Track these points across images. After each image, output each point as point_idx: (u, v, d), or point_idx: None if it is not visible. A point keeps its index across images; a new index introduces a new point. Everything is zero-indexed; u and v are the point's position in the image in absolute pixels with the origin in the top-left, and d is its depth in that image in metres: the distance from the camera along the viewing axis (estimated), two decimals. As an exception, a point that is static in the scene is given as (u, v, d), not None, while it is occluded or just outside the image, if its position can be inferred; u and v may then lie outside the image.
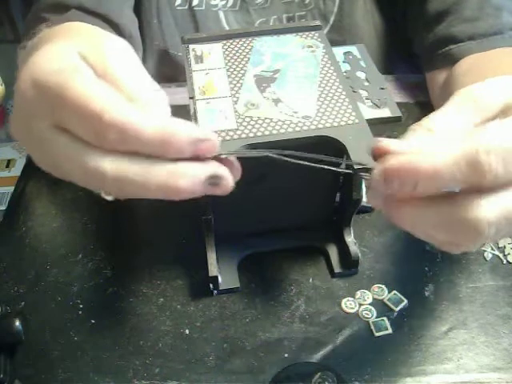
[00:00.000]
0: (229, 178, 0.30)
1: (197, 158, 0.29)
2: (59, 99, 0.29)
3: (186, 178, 0.29)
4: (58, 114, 0.30)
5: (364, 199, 0.47)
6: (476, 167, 0.26)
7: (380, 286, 0.49)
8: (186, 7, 0.70)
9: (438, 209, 0.28)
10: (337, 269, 0.50)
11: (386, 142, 0.28)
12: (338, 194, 0.50)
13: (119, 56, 0.33)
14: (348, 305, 0.47)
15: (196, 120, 0.43)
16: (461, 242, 0.28)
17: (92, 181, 0.30)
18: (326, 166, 0.31)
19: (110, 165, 0.29)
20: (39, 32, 0.45)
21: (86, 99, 0.29)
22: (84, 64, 0.31)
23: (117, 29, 0.64)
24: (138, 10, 0.69)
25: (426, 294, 0.48)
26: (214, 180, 0.30)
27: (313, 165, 0.31)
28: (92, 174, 0.29)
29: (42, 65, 0.32)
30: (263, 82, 0.46)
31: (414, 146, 0.28)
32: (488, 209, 0.27)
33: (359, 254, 0.48)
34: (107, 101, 0.29)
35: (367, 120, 0.43)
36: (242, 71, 0.47)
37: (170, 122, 0.29)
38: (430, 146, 0.28)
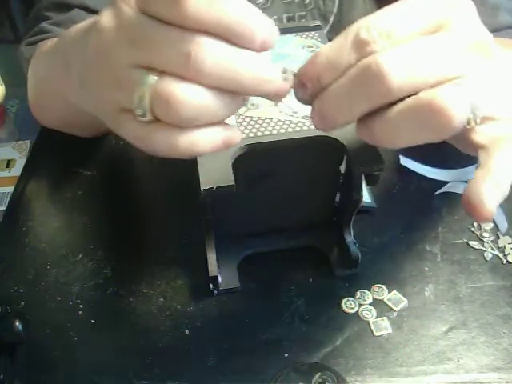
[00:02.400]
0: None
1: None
2: None
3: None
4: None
5: (364, 199, 0.47)
6: (359, 43, 0.29)
7: (380, 285, 0.49)
8: None
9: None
10: (337, 269, 0.50)
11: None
12: (337, 194, 0.50)
13: None
14: (348, 305, 0.47)
15: None
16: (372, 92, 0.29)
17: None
18: None
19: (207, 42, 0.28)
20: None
21: None
22: None
23: None
24: None
25: (426, 293, 0.48)
26: (285, 74, 0.31)
27: None
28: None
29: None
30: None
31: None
32: (384, 55, 0.28)
33: (359, 254, 0.48)
34: None
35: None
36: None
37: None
38: None
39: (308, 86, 0.31)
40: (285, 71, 0.31)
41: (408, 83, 0.28)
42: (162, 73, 0.29)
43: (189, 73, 0.28)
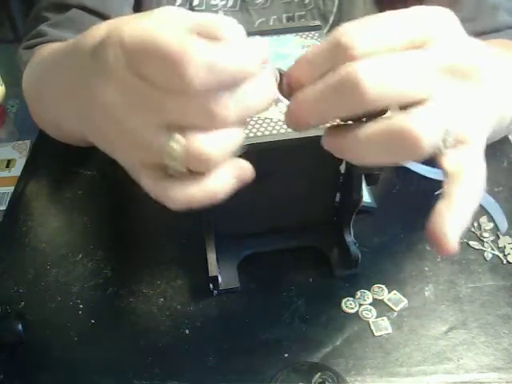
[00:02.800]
0: None
1: None
2: (144, 46, 0.28)
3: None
4: (139, 62, 0.28)
5: (364, 199, 0.47)
6: (339, 47, 0.29)
7: (380, 285, 0.49)
8: (187, 7, 0.70)
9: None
10: (337, 269, 0.50)
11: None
12: (337, 194, 0.50)
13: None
14: (348, 305, 0.47)
15: None
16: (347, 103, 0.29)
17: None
18: None
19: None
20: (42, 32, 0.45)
21: (170, 42, 0.27)
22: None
23: None
24: (138, 9, 0.69)
25: (426, 294, 0.48)
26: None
27: None
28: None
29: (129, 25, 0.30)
30: (263, 81, 0.46)
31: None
32: (361, 65, 0.28)
33: (359, 254, 0.48)
34: (191, 41, 0.27)
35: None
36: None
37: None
38: None
39: (292, 86, 0.31)
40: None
41: (382, 97, 0.28)
42: (182, 128, 0.29)
43: (215, 126, 0.29)
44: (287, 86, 0.32)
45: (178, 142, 0.28)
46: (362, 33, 0.29)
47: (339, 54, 0.29)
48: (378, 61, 0.28)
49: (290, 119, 0.32)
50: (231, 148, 0.30)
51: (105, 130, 0.32)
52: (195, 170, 0.30)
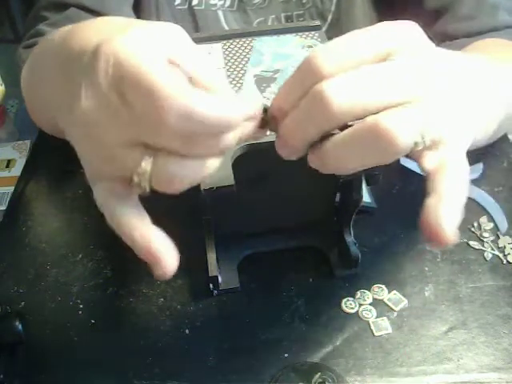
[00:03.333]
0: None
1: None
2: (132, 73, 0.28)
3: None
4: (124, 86, 0.28)
5: (364, 199, 0.47)
6: (309, 69, 0.30)
7: (380, 285, 0.49)
8: (186, 6, 0.70)
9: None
10: (337, 269, 0.50)
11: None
12: (338, 194, 0.50)
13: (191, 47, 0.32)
14: (348, 305, 0.47)
15: None
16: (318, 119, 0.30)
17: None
18: None
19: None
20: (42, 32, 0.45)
21: (155, 81, 0.27)
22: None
23: None
24: (137, 8, 0.70)
25: (426, 294, 0.48)
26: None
27: None
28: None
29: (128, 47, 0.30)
30: (263, 82, 0.46)
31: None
32: (327, 83, 0.29)
33: (359, 254, 0.48)
34: (173, 84, 0.28)
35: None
36: (242, 71, 0.47)
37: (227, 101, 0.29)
38: None
39: (277, 118, 0.32)
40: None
41: (351, 109, 0.29)
42: (156, 150, 0.29)
43: (188, 154, 0.29)
44: (272, 118, 0.33)
45: (146, 163, 0.29)
46: (329, 54, 0.30)
47: (309, 78, 0.30)
48: (343, 76, 0.30)
49: (281, 149, 0.33)
50: (201, 175, 0.31)
51: (80, 142, 0.32)
52: (160, 190, 0.31)
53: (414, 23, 0.33)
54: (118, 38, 0.29)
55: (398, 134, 0.28)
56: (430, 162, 0.31)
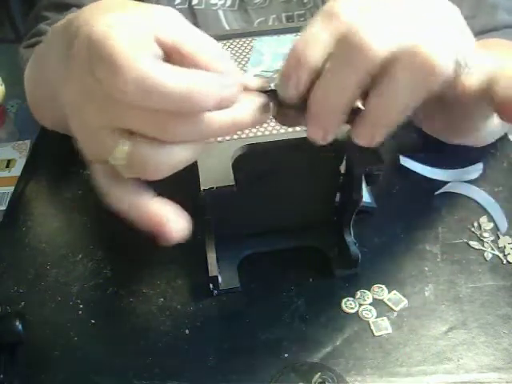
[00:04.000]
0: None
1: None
2: (97, 50, 0.28)
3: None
4: (93, 63, 0.28)
5: (364, 199, 0.47)
6: (330, 16, 0.30)
7: (380, 285, 0.49)
8: (186, 6, 0.70)
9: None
10: (337, 269, 0.50)
11: None
12: (338, 194, 0.50)
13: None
14: (348, 305, 0.47)
15: None
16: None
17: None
18: None
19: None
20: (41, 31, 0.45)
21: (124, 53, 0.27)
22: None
23: None
24: None
25: (426, 293, 0.48)
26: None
27: None
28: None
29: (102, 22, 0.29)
30: (263, 81, 0.46)
31: None
32: (357, 23, 0.29)
33: (359, 254, 0.48)
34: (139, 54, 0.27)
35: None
36: (242, 71, 0.47)
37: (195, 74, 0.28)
38: None
39: (292, 76, 0.30)
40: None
41: (389, 43, 0.29)
42: (134, 134, 0.29)
43: (162, 138, 0.29)
44: (289, 79, 0.30)
45: (123, 147, 0.29)
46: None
47: (332, 21, 0.30)
48: (371, 15, 0.29)
49: (314, 130, 0.31)
50: (179, 163, 0.30)
51: (68, 110, 0.32)
52: (138, 176, 0.30)
53: None
54: (98, 19, 0.29)
55: (437, 57, 0.29)
56: (474, 79, 0.33)
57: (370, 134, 0.31)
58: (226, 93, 0.28)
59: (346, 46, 0.29)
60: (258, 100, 0.31)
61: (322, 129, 0.31)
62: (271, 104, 0.31)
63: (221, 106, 0.28)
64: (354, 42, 0.29)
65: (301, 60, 0.30)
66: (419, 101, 0.30)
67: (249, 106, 0.30)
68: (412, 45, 0.29)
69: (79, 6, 0.62)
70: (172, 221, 0.31)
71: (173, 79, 0.27)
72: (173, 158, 0.29)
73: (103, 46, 0.27)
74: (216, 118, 0.29)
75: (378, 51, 0.29)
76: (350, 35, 0.29)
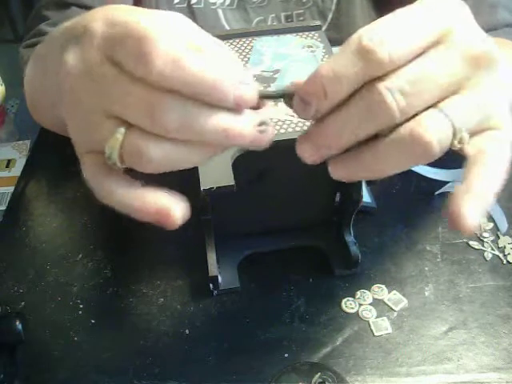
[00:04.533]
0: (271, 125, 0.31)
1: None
2: (124, 29, 0.28)
3: (241, 124, 0.29)
4: (113, 44, 0.29)
5: (364, 199, 0.47)
6: (363, 51, 0.28)
7: (380, 285, 0.49)
8: (185, 5, 0.70)
9: (356, 104, 0.29)
10: (337, 269, 0.50)
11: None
12: (338, 194, 0.50)
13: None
14: (348, 305, 0.47)
15: None
16: (380, 122, 0.29)
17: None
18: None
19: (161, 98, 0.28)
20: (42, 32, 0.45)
21: (148, 30, 0.27)
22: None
23: None
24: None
25: (426, 293, 0.48)
26: (262, 127, 0.30)
27: None
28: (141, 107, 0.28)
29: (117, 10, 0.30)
30: (263, 82, 0.46)
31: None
32: (388, 83, 0.28)
33: (359, 254, 0.48)
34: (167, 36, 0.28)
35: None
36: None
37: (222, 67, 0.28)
38: None
39: (312, 104, 0.29)
40: (262, 123, 0.30)
41: (410, 106, 0.28)
42: (130, 125, 0.29)
43: (153, 129, 0.28)
44: (306, 103, 0.30)
45: (118, 135, 0.29)
46: (381, 33, 0.28)
47: (363, 57, 0.28)
48: (401, 73, 0.28)
49: (309, 149, 0.32)
50: (170, 161, 0.29)
51: (66, 110, 0.32)
52: (131, 167, 0.30)
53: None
54: (113, 7, 0.30)
55: (432, 138, 0.28)
56: (472, 147, 0.31)
57: (343, 173, 0.32)
58: (244, 89, 0.28)
59: (374, 98, 0.28)
60: (259, 118, 0.31)
61: (317, 151, 0.32)
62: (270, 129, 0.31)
63: (238, 102, 0.29)
64: (381, 104, 0.28)
65: (327, 93, 0.29)
66: (406, 167, 0.30)
67: (248, 121, 0.30)
68: (412, 125, 0.28)
69: (79, 5, 0.63)
70: (172, 205, 0.31)
71: (203, 63, 0.27)
72: (166, 154, 0.29)
73: (132, 25, 0.28)
74: (212, 119, 0.29)
75: (402, 116, 0.28)
76: (378, 96, 0.28)
